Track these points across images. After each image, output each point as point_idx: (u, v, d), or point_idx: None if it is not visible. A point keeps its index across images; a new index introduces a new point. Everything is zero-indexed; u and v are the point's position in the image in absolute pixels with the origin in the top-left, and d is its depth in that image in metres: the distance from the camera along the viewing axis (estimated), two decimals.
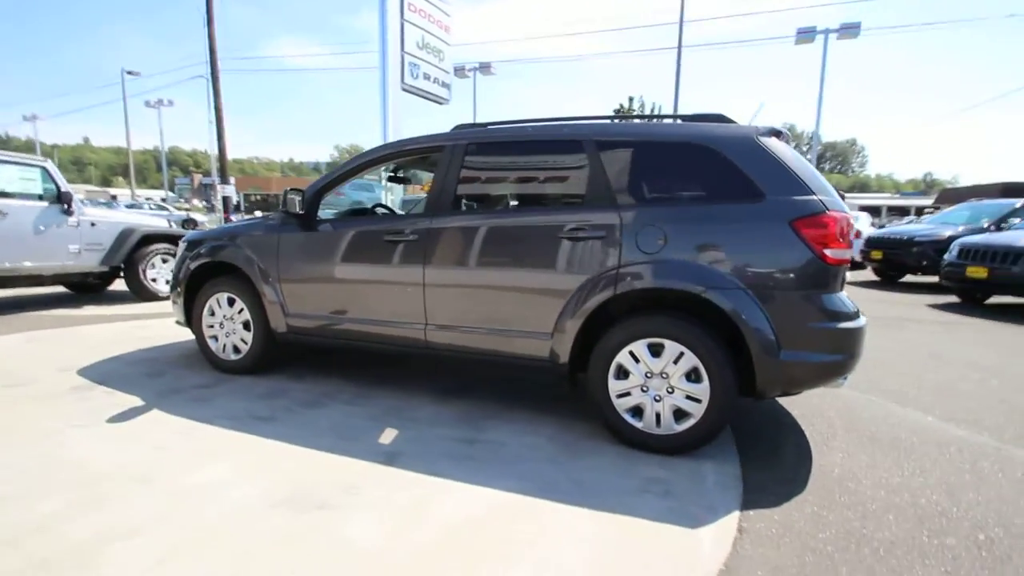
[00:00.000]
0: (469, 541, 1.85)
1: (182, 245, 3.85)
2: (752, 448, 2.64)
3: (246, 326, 3.52)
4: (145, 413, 2.90)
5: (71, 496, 2.05)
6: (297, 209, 3.17)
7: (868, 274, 10.66)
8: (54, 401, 3.05)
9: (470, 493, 2.17)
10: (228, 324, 3.58)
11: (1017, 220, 8.26)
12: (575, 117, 2.89)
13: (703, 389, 2.40)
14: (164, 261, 6.56)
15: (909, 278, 9.86)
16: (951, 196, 23.63)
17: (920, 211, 28.32)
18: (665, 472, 2.36)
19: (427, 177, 4.98)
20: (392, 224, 3.14)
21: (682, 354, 2.42)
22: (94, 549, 1.74)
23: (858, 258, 9.70)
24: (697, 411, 2.43)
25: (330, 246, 3.22)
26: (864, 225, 12.92)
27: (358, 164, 3.32)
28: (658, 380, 2.48)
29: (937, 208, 23.18)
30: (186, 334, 4.25)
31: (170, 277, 6.44)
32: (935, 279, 8.31)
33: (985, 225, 8.74)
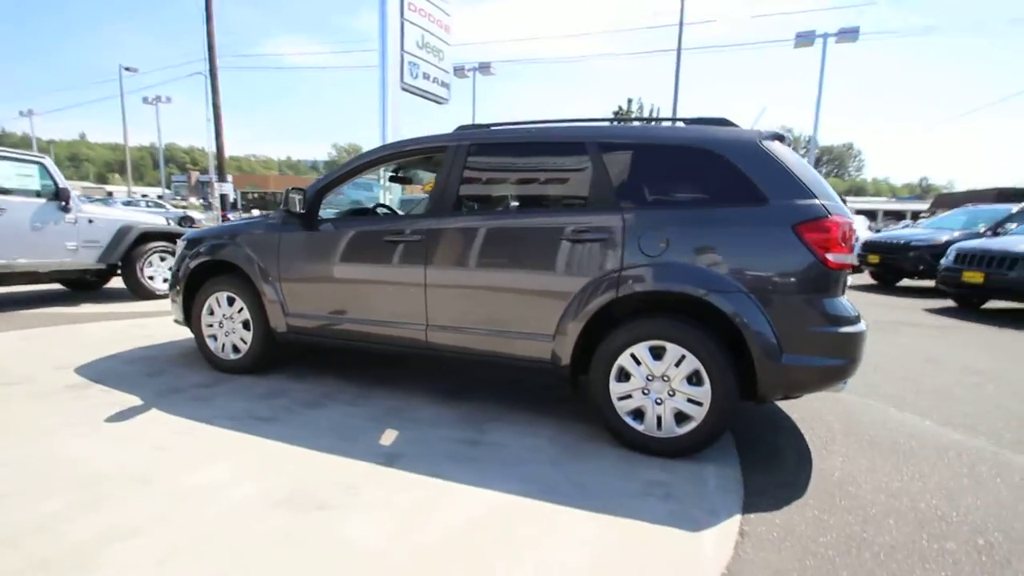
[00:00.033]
0: (471, 543, 1.85)
1: (181, 243, 3.83)
2: (752, 451, 2.64)
3: (246, 325, 3.51)
4: (144, 412, 2.89)
5: (70, 496, 2.04)
6: (299, 208, 3.16)
7: (865, 278, 10.70)
8: (51, 400, 3.03)
9: (471, 495, 2.16)
10: (228, 323, 3.56)
11: (1013, 225, 8.31)
12: (578, 119, 2.89)
13: (704, 392, 2.40)
14: (162, 259, 6.53)
15: (906, 282, 9.91)
16: (947, 201, 23.78)
17: (916, 215, 28.51)
18: (666, 475, 2.36)
19: (428, 177, 4.98)
20: (394, 224, 3.14)
21: (684, 357, 2.42)
22: (94, 549, 1.73)
23: (855, 262, 9.74)
24: (698, 414, 2.43)
25: (331, 246, 3.21)
26: (861, 229, 12.97)
27: (361, 164, 3.31)
28: (659, 383, 2.49)
29: (932, 213, 23.34)
30: (184, 333, 4.23)
31: (168, 275, 6.48)
32: (931, 283, 8.35)
33: (981, 230, 8.79)
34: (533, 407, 3.14)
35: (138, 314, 5.60)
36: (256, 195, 51.86)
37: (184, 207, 33.12)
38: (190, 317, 3.71)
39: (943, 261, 7.45)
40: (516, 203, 3.21)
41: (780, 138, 2.55)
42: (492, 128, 3.05)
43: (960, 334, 5.76)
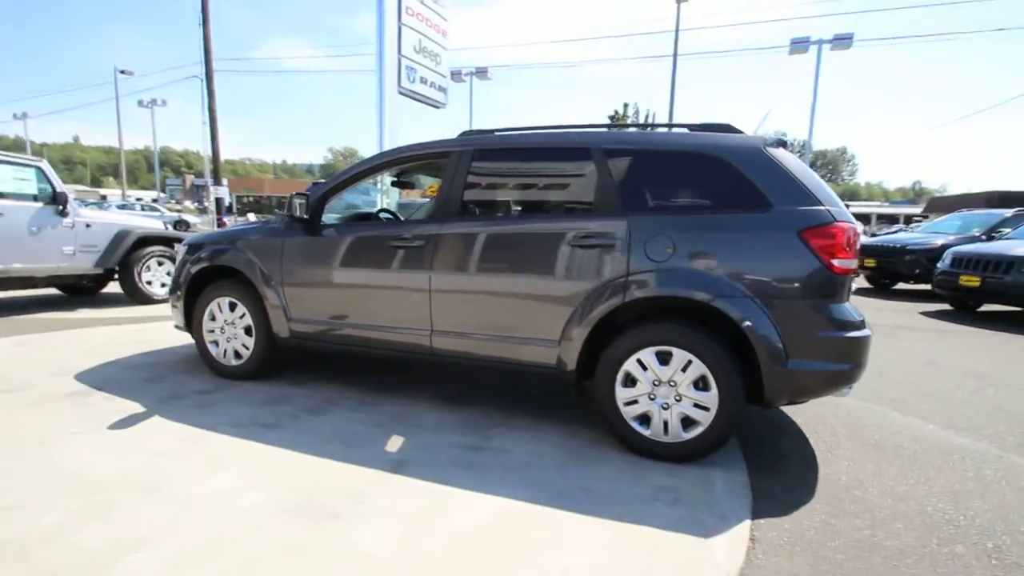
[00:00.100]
0: (478, 550, 1.84)
1: (182, 248, 3.81)
2: (758, 456, 2.64)
3: (248, 331, 3.49)
4: (146, 419, 2.86)
5: (76, 505, 2.01)
6: (302, 213, 3.15)
7: (861, 281, 10.77)
8: (51, 407, 3.00)
9: (478, 501, 2.16)
10: (229, 329, 3.54)
11: (1008, 230, 8.39)
12: (582, 125, 2.90)
13: (711, 397, 2.41)
14: (160, 264, 6.49)
15: (901, 286, 9.99)
16: (940, 205, 23.99)
17: (909, 219, 28.74)
18: (673, 480, 2.36)
19: (428, 182, 4.97)
20: (398, 230, 3.13)
21: (690, 362, 2.43)
22: (104, 560, 1.71)
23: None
24: (705, 419, 2.43)
25: (335, 251, 3.20)
26: None
27: (365, 169, 3.31)
28: (666, 388, 2.49)
29: (925, 217, 23.53)
30: (184, 338, 4.20)
31: (166, 280, 6.46)
32: (927, 287, 8.41)
33: (976, 234, 8.87)
34: (537, 412, 3.14)
35: (136, 319, 5.56)
36: (251, 199, 51.69)
37: (179, 211, 32.98)
38: (191, 322, 3.69)
39: (939, 265, 7.50)
40: (521, 208, 3.21)
41: (784, 144, 2.57)
42: (497, 133, 3.06)
43: (958, 337, 5.80)
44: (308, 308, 3.28)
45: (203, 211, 32.24)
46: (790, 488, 2.35)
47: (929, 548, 1.93)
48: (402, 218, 4.18)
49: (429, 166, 3.64)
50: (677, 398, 2.47)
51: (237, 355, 3.55)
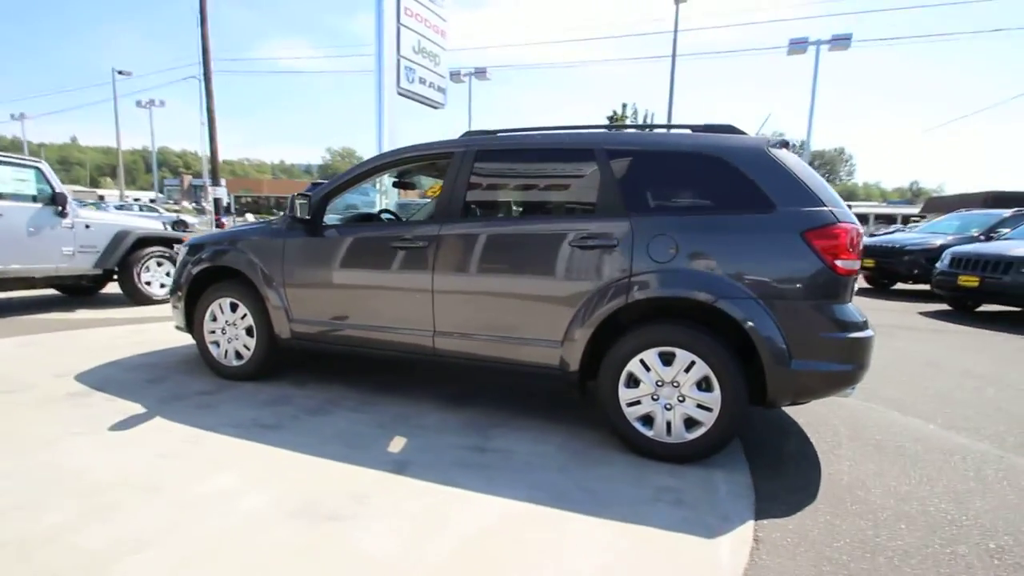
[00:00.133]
0: (484, 551, 1.84)
1: (183, 249, 3.81)
2: (760, 457, 2.65)
3: (249, 332, 3.49)
4: (147, 420, 2.85)
5: (78, 506, 2.01)
6: (304, 214, 3.15)
7: (859, 281, 10.79)
8: (52, 408, 2.99)
9: (482, 503, 2.16)
10: (230, 329, 3.54)
11: (1006, 230, 8.41)
12: (583, 125, 2.90)
13: (714, 398, 2.41)
14: (159, 264, 6.48)
15: (900, 286, 10.01)
16: (938, 205, 24.04)
17: (907, 219, 28.80)
18: (676, 481, 2.36)
19: (429, 183, 4.96)
20: (400, 230, 3.13)
21: (693, 363, 2.43)
22: (106, 561, 1.70)
23: None
24: (708, 420, 2.44)
25: (337, 252, 3.20)
26: None
27: (367, 169, 3.31)
28: (669, 389, 2.49)
29: (923, 217, 23.58)
30: (184, 339, 4.19)
31: (165, 280, 6.45)
32: (926, 287, 8.44)
33: (974, 234, 8.89)
34: (539, 413, 3.14)
35: (136, 320, 5.55)
36: (250, 199, 51.63)
37: (177, 211, 32.90)
38: (192, 323, 3.68)
39: (938, 265, 7.52)
40: (524, 209, 3.21)
41: (786, 145, 2.57)
42: (499, 134, 3.06)
43: (957, 337, 5.82)
44: (310, 309, 3.28)
45: (201, 211, 32.16)
46: (793, 489, 2.36)
47: (932, 549, 1.93)
48: (403, 219, 4.18)
49: (431, 167, 3.64)
50: (680, 399, 2.47)
51: (238, 356, 3.55)
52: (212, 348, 3.61)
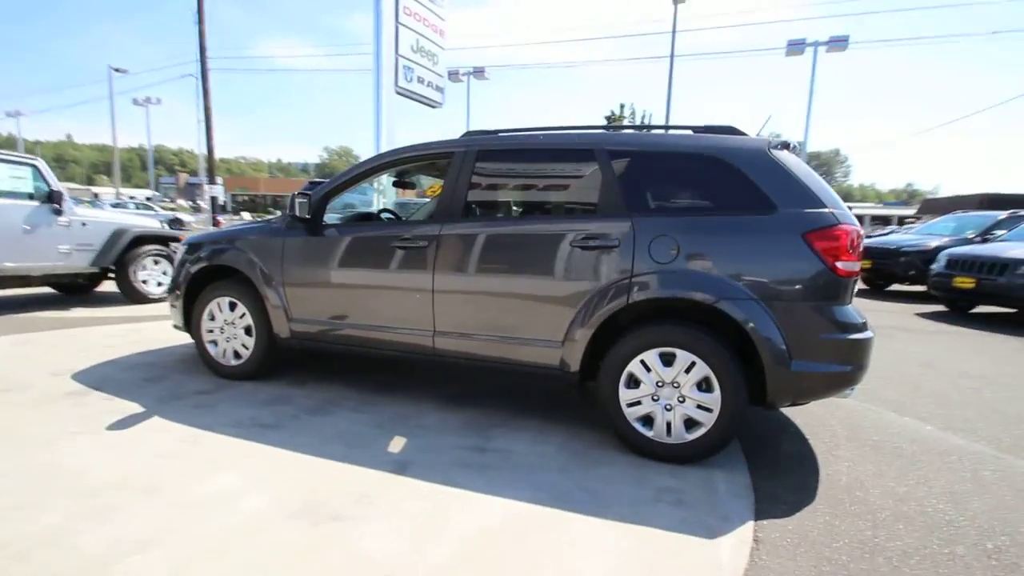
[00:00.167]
0: (485, 552, 1.84)
1: (182, 248, 3.79)
2: (760, 457, 2.66)
3: (248, 331, 3.47)
4: (146, 420, 2.84)
5: (77, 507, 2.00)
6: (304, 213, 3.14)
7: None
8: (50, 407, 2.98)
9: (484, 503, 2.16)
10: (229, 329, 3.52)
11: (1002, 232, 8.46)
12: (587, 126, 2.90)
13: (714, 399, 2.42)
14: (156, 263, 6.45)
15: (896, 287, 10.06)
16: (933, 206, 24.16)
17: (902, 221, 28.93)
18: (676, 481, 2.37)
19: (429, 182, 4.94)
20: (401, 230, 3.13)
21: (694, 364, 2.44)
22: (106, 563, 1.70)
23: None
24: (708, 420, 2.44)
25: (337, 251, 3.19)
26: None
27: (367, 169, 3.30)
28: (669, 389, 2.50)
29: (918, 218, 23.69)
30: (182, 338, 4.18)
31: (162, 279, 6.42)
32: (922, 288, 8.48)
33: (970, 236, 8.94)
34: (539, 413, 3.14)
35: (132, 318, 5.52)
36: (246, 197, 51.45)
37: (173, 209, 32.77)
38: (190, 322, 3.67)
39: (934, 266, 7.56)
40: (525, 209, 3.21)
41: (787, 146, 2.58)
42: (500, 134, 3.06)
43: (953, 339, 5.85)
44: (309, 308, 3.27)
45: (197, 210, 32.03)
46: (792, 489, 2.37)
47: (930, 549, 1.95)
48: (403, 218, 4.18)
49: (431, 166, 3.64)
50: (680, 399, 2.48)
51: (237, 355, 3.54)
52: (210, 347, 3.59)
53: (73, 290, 6.65)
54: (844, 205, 2.48)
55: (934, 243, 8.83)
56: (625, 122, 23.60)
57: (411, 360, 3.13)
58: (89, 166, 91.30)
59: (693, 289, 2.44)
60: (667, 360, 2.49)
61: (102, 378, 3.49)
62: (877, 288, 10.15)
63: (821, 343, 2.34)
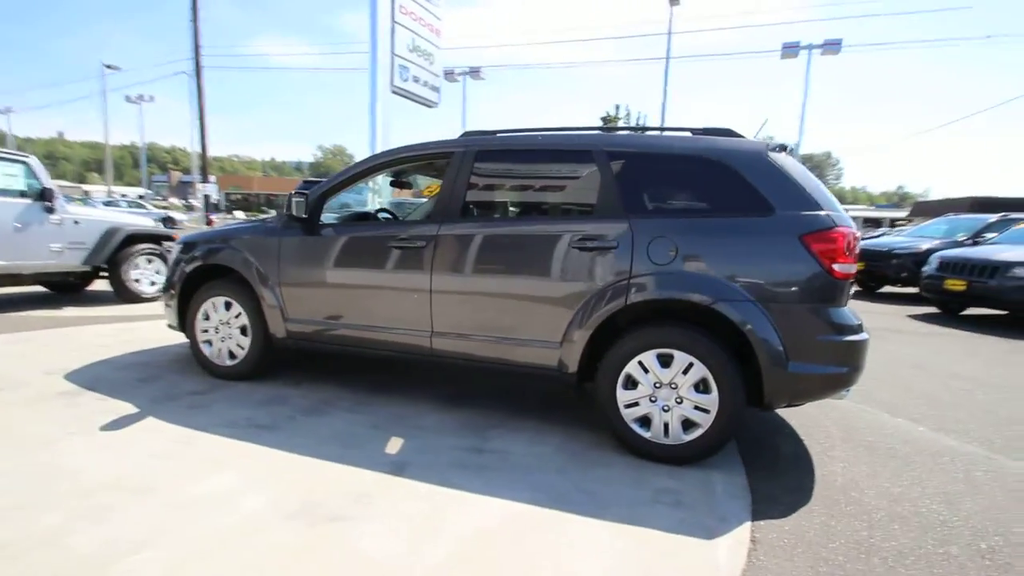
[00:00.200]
0: (486, 553, 1.84)
1: (177, 247, 3.76)
2: (756, 458, 2.67)
3: (243, 331, 3.45)
4: (140, 420, 2.82)
5: (72, 507, 1.98)
6: (301, 212, 3.12)
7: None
8: (43, 407, 2.95)
9: (482, 504, 2.15)
10: (224, 329, 3.50)
11: (993, 234, 8.56)
12: (586, 127, 2.91)
13: (712, 400, 2.43)
14: (149, 262, 6.39)
15: (888, 289, 10.14)
16: (924, 209, 24.42)
17: (893, 223, 29.18)
18: (674, 482, 2.38)
19: (426, 182, 4.93)
20: (398, 230, 3.12)
21: (691, 365, 2.45)
22: (102, 563, 1.68)
23: None
24: (705, 421, 2.45)
25: (334, 251, 3.18)
26: None
27: (365, 168, 3.29)
28: (667, 390, 2.51)
29: (909, 221, 23.91)
30: (175, 337, 4.14)
31: (155, 278, 6.37)
32: (913, 290, 8.56)
33: (961, 239, 9.04)
34: (536, 414, 3.14)
35: (124, 318, 5.47)
36: (240, 196, 51.12)
37: (165, 207, 32.52)
38: (184, 322, 3.64)
39: (926, 269, 7.64)
40: (524, 210, 3.21)
41: (785, 149, 2.60)
42: (499, 135, 3.06)
43: (944, 340, 5.91)
44: (306, 308, 3.26)
45: (190, 208, 31.79)
46: (788, 490, 2.38)
47: (925, 549, 1.96)
48: (400, 218, 4.16)
49: (429, 166, 3.63)
50: (678, 400, 2.49)
51: (232, 355, 3.51)
52: (205, 347, 3.57)
53: (64, 289, 6.58)
54: (840, 208, 2.50)
55: (926, 245, 8.91)
56: (620, 123, 23.67)
57: (408, 361, 3.12)
58: (80, 163, 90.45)
59: (691, 291, 2.45)
60: (665, 361, 2.50)
61: (95, 378, 3.45)
62: (869, 290, 10.23)
63: (818, 344, 2.36)
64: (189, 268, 3.58)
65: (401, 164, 3.40)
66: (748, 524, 2.07)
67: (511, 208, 3.28)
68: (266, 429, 2.78)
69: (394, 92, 10.84)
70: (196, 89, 17.77)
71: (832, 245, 2.33)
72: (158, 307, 5.71)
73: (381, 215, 4.09)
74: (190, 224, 22.03)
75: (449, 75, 23.67)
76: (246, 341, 3.45)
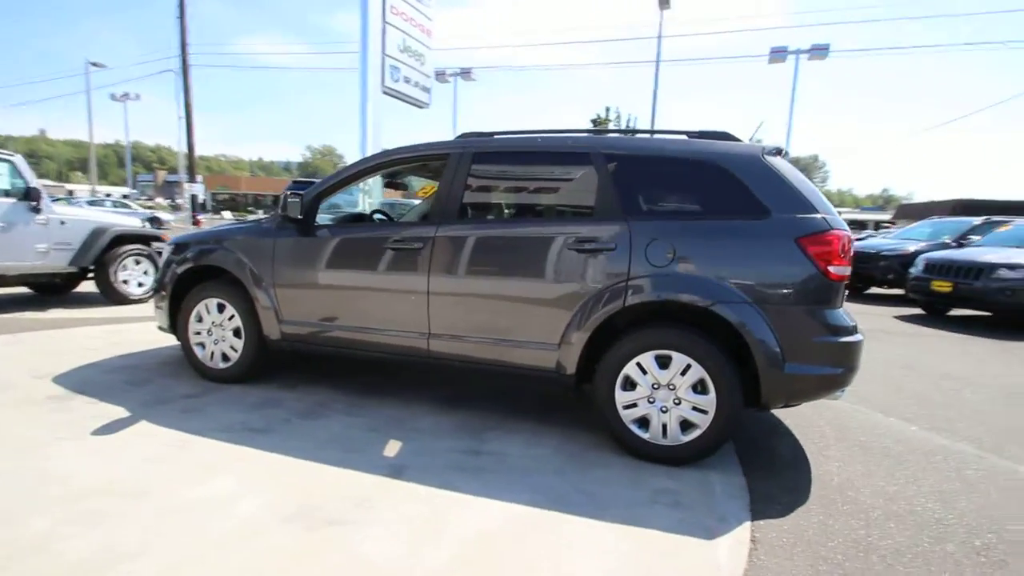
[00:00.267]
0: (487, 555, 1.83)
1: (168, 248, 3.71)
2: (753, 458, 2.69)
3: (236, 333, 3.41)
4: (132, 424, 2.77)
5: (64, 513, 1.94)
6: (296, 213, 3.09)
7: None
8: (32, 411, 2.88)
9: (482, 506, 2.15)
10: (217, 331, 3.45)
11: (977, 237, 8.71)
12: (584, 129, 2.92)
13: (709, 401, 2.44)
14: (137, 262, 6.29)
15: (874, 290, 10.28)
16: (908, 211, 24.84)
17: (878, 225, 29.61)
18: (673, 483, 2.39)
19: (420, 184, 4.92)
20: (395, 231, 3.10)
21: (689, 366, 2.46)
22: (96, 570, 1.65)
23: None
24: (703, 422, 2.47)
25: (330, 252, 3.15)
26: None
27: (361, 169, 3.27)
28: (665, 391, 2.51)
29: (893, 223, 24.30)
30: (165, 340, 4.09)
31: (142, 279, 6.28)
32: (899, 291, 8.68)
33: (947, 241, 9.19)
34: (533, 415, 3.14)
35: (112, 320, 5.38)
36: (227, 196, 50.58)
37: (151, 207, 32.06)
38: (176, 324, 3.59)
39: (912, 270, 7.75)
40: (521, 212, 3.20)
41: (780, 152, 2.62)
42: (496, 136, 3.05)
43: (932, 341, 6.00)
44: (301, 310, 3.22)
45: (176, 208, 31.36)
46: (786, 489, 2.40)
47: (922, 547, 1.99)
48: (395, 219, 4.14)
49: (424, 168, 3.61)
50: (676, 401, 2.50)
51: (225, 358, 3.47)
52: (197, 350, 3.52)
53: (49, 290, 6.45)
54: (835, 210, 2.53)
55: (912, 247, 9.04)
56: (611, 125, 23.78)
57: (405, 363, 3.10)
58: (64, 162, 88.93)
59: (689, 292, 2.46)
60: (663, 363, 2.51)
61: (84, 381, 3.39)
62: (856, 291, 10.35)
63: (814, 346, 2.38)
64: (181, 270, 3.52)
65: (398, 165, 3.39)
66: (748, 524, 2.09)
67: (509, 210, 3.28)
68: (261, 433, 2.74)
69: (385, 92, 10.80)
70: (183, 87, 17.56)
71: (827, 248, 2.35)
72: (146, 309, 5.63)
73: (376, 216, 4.07)
74: (177, 224, 21.74)
75: (440, 76, 23.63)
76: (240, 343, 3.41)
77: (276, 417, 2.96)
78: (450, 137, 3.29)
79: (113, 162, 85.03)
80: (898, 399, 3.78)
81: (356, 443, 2.67)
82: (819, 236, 2.37)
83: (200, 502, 2.07)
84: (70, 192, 40.17)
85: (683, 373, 2.47)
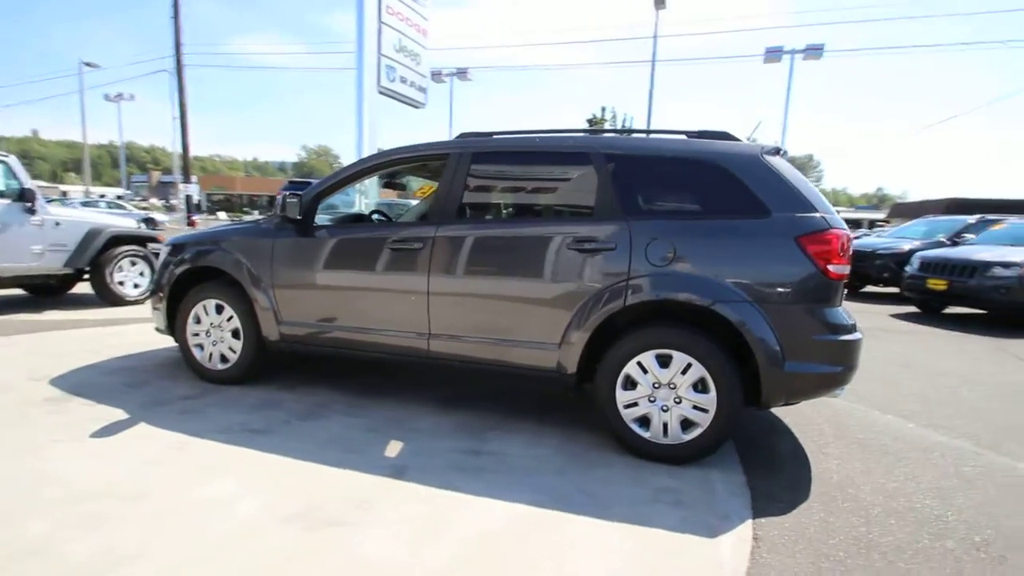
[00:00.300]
0: (489, 556, 1.83)
1: (165, 248, 3.69)
2: (753, 456, 2.70)
3: (235, 334, 3.39)
4: (130, 427, 2.75)
5: (63, 516, 1.93)
6: (295, 214, 3.08)
7: None
8: (30, 414, 2.86)
9: (484, 506, 2.14)
10: (215, 332, 3.44)
11: (971, 235, 8.77)
12: (583, 129, 2.92)
13: (710, 399, 2.45)
14: (133, 264, 6.26)
15: (870, 288, 10.34)
16: (902, 210, 24.99)
17: (872, 224, 29.78)
18: (675, 482, 2.39)
19: (418, 184, 4.91)
20: (394, 231, 3.10)
21: (690, 365, 2.46)
22: (96, 572, 1.64)
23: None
24: (704, 421, 2.47)
25: (329, 253, 3.14)
26: None
27: (360, 170, 3.26)
28: (665, 390, 2.52)
29: (888, 222, 24.43)
30: (162, 341, 4.07)
31: (138, 280, 6.25)
32: (894, 290, 8.73)
33: (942, 239, 9.25)
34: (533, 415, 3.14)
35: (108, 321, 5.35)
36: (222, 196, 50.37)
37: (146, 208, 31.88)
38: (174, 325, 3.57)
39: (907, 269, 7.80)
40: (521, 212, 3.20)
41: (779, 152, 2.63)
42: (495, 136, 3.05)
43: (928, 339, 6.04)
44: (300, 311, 3.21)
45: (171, 209, 31.21)
46: (786, 487, 2.41)
47: (922, 544, 2.00)
48: (394, 220, 4.13)
49: (424, 168, 3.61)
50: (677, 400, 2.50)
51: (223, 359, 3.45)
52: (196, 351, 3.50)
53: (44, 292, 6.41)
54: (833, 210, 2.54)
55: (907, 246, 9.09)
56: (607, 125, 23.81)
57: (404, 363, 3.09)
58: (57, 163, 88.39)
59: (689, 291, 2.47)
60: (664, 362, 2.51)
61: (81, 383, 3.37)
62: (852, 289, 10.41)
63: (814, 344, 2.39)
64: (179, 271, 3.50)
65: (397, 165, 3.38)
66: (749, 522, 2.09)
67: (508, 209, 3.28)
68: (261, 434, 2.73)
69: (381, 93, 10.77)
70: (177, 87, 17.49)
71: (827, 246, 2.36)
72: (143, 310, 5.60)
73: (375, 217, 4.06)
74: (172, 225, 21.64)
75: (436, 76, 23.59)
76: (238, 344, 3.40)
77: (275, 418, 2.94)
78: (447, 137, 3.29)
79: (107, 163, 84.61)
80: (896, 397, 3.80)
81: (356, 444, 2.67)
82: (819, 235, 2.38)
83: (199, 504, 2.06)
84: (64, 193, 39.86)
85: (684, 372, 2.48)
